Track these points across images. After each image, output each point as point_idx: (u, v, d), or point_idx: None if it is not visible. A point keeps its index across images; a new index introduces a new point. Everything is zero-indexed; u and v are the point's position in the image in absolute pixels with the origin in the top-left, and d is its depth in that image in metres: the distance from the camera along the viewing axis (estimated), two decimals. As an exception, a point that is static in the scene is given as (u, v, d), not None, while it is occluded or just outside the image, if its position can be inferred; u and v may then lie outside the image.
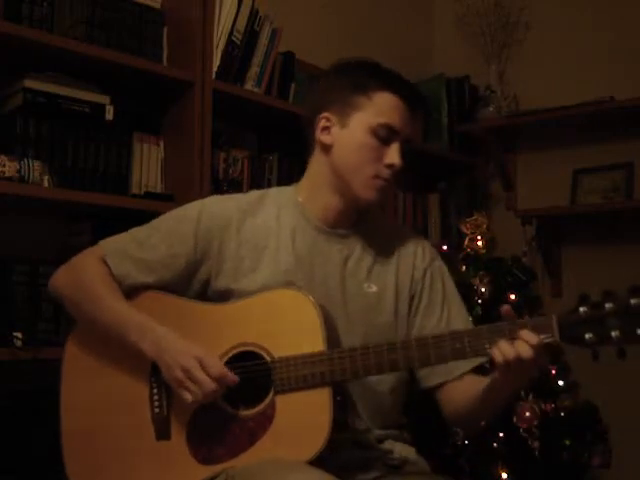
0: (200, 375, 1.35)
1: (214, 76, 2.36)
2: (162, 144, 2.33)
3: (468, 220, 2.83)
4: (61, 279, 1.56)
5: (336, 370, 1.37)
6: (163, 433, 1.44)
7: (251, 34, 2.50)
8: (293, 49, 2.70)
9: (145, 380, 1.47)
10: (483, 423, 1.66)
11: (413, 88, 1.55)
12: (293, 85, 2.69)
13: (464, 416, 1.54)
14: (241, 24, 2.46)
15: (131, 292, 1.52)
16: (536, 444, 2.40)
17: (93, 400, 1.51)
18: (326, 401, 1.36)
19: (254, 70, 2.51)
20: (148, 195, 2.23)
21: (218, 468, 1.39)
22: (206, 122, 2.31)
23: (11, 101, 2.03)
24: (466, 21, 3.36)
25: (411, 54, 3.52)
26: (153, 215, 1.63)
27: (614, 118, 3.03)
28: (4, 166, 1.89)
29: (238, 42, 2.45)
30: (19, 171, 1.92)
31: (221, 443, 1.40)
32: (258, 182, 2.55)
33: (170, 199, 2.23)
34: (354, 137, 1.50)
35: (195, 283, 1.53)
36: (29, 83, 2.00)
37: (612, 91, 2.97)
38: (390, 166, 1.49)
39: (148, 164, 2.27)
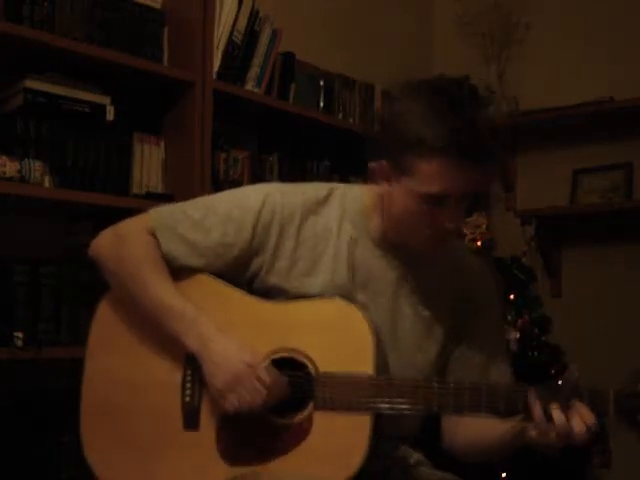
0: (254, 384, 1.31)
1: (214, 76, 2.36)
2: (162, 144, 2.33)
3: (468, 220, 2.83)
4: (105, 248, 1.47)
5: (382, 400, 1.31)
6: (191, 423, 1.39)
7: (251, 34, 2.50)
8: (293, 49, 2.71)
9: (179, 363, 1.41)
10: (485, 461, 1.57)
11: (476, 138, 1.28)
12: (293, 85, 2.69)
13: (470, 453, 1.49)
14: (241, 24, 2.46)
15: (179, 272, 1.44)
16: (536, 444, 2.39)
17: (120, 373, 1.45)
18: (365, 428, 1.30)
19: (254, 70, 2.51)
20: (149, 195, 2.23)
21: (243, 470, 1.35)
22: (206, 122, 2.31)
23: (12, 101, 2.03)
24: (466, 21, 3.36)
25: (411, 54, 3.52)
26: (154, 216, 1.62)
27: (614, 118, 3.03)
28: (5, 166, 1.89)
29: (238, 42, 2.45)
30: (20, 171, 1.92)
31: (251, 445, 1.35)
32: (258, 182, 2.54)
33: (171, 199, 2.23)
34: (403, 201, 1.35)
35: (246, 273, 1.46)
36: (30, 83, 2.00)
37: (612, 91, 2.97)
38: (446, 229, 1.35)
39: (149, 164, 2.27)
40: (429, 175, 1.30)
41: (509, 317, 2.69)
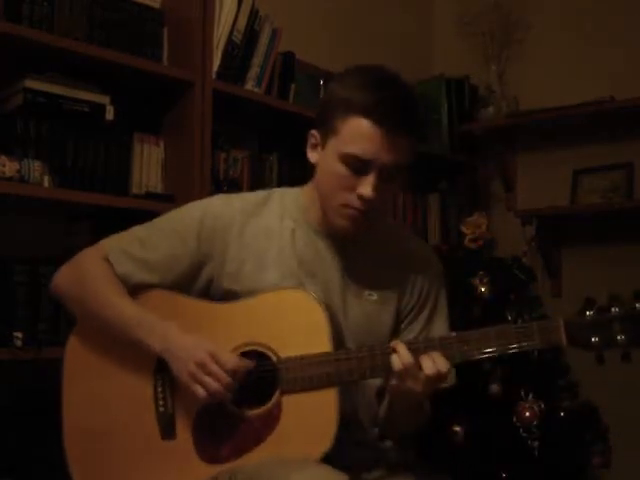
0: (216, 369, 1.35)
1: (214, 76, 2.36)
2: (162, 144, 2.32)
3: (468, 220, 2.83)
4: (63, 278, 1.56)
5: (343, 371, 1.38)
6: (168, 432, 1.44)
7: (251, 34, 2.50)
8: (293, 49, 2.70)
9: (149, 377, 1.47)
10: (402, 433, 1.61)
11: (399, 107, 1.39)
12: (293, 85, 2.69)
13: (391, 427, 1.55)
14: (241, 24, 2.46)
15: (136, 291, 1.51)
16: (536, 444, 2.40)
17: (95, 398, 1.50)
18: (332, 402, 1.36)
19: (254, 70, 2.51)
20: (148, 195, 2.23)
21: (223, 467, 1.39)
22: (206, 122, 2.31)
23: (11, 101, 2.03)
24: (466, 21, 3.36)
25: (411, 54, 3.52)
26: (153, 215, 1.62)
27: (614, 118, 3.03)
28: (4, 166, 1.89)
29: (238, 42, 2.45)
30: (19, 171, 1.92)
31: (227, 442, 1.40)
32: (258, 182, 2.55)
33: (170, 199, 2.23)
34: (328, 162, 1.44)
35: (199, 283, 1.52)
36: (29, 83, 2.00)
37: (612, 91, 2.97)
38: (361, 197, 1.41)
39: (148, 164, 2.27)
40: (352, 134, 1.38)
41: (509, 317, 2.69)
